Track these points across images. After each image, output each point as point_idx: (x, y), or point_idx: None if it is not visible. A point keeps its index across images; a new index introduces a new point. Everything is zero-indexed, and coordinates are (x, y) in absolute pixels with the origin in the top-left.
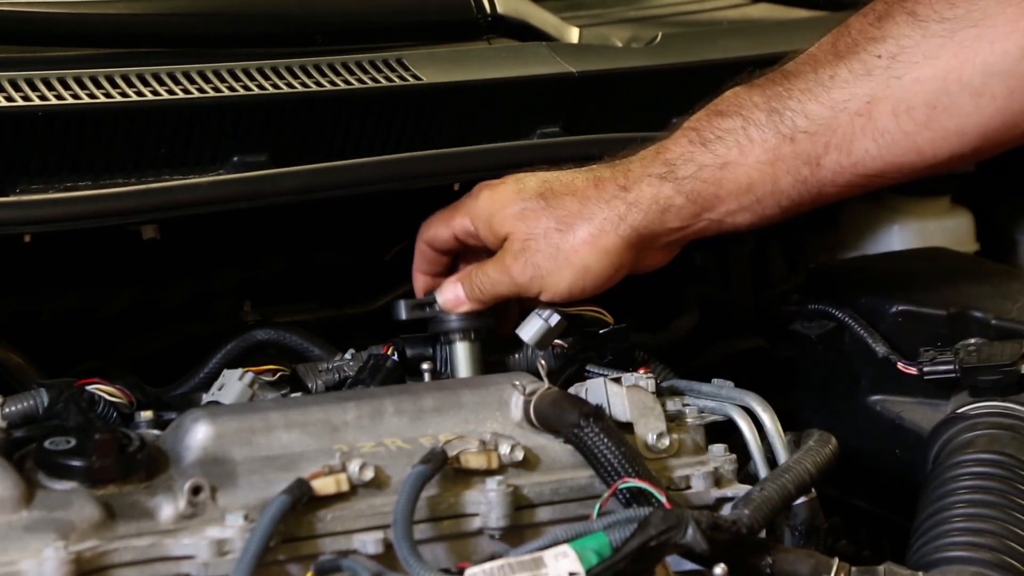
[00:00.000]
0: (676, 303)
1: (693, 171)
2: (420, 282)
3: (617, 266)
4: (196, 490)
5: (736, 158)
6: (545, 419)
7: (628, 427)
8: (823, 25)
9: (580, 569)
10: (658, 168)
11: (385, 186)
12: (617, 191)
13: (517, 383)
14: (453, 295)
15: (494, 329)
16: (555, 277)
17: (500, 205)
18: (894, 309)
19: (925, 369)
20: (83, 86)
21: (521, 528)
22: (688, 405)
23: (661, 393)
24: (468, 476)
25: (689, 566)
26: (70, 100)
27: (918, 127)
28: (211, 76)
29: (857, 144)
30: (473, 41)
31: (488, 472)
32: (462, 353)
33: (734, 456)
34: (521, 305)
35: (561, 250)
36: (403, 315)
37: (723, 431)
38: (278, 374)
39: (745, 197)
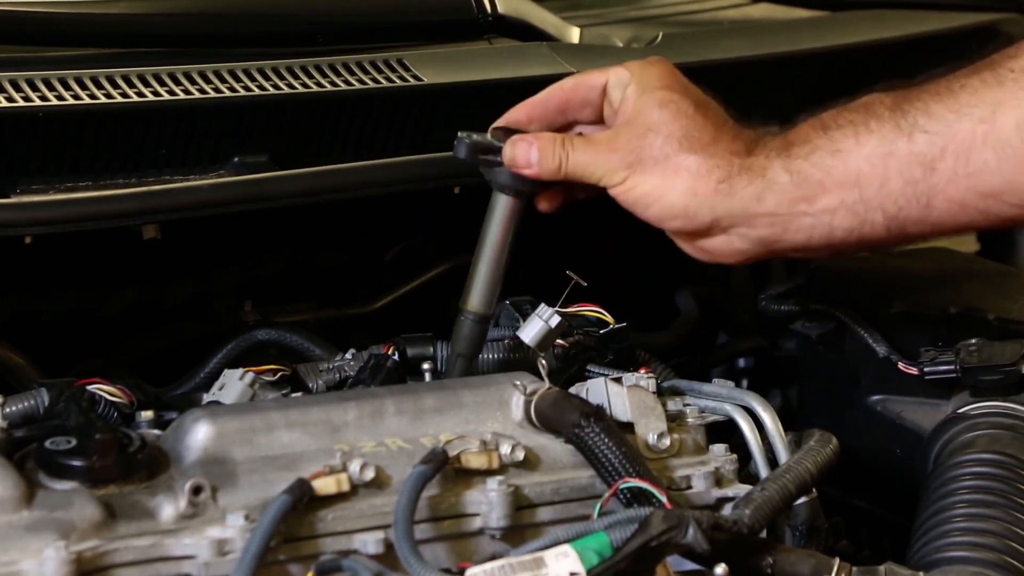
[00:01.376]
0: (676, 303)
1: (806, 153)
2: (512, 116)
3: (691, 215)
4: (197, 490)
5: (850, 147)
6: (546, 419)
7: (629, 427)
8: (823, 25)
9: (581, 569)
10: (777, 144)
11: (386, 189)
12: (741, 150)
13: (518, 383)
14: (525, 156)
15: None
16: (644, 180)
17: (653, 83)
18: (894, 309)
19: (926, 369)
20: (84, 86)
21: (522, 528)
22: (689, 405)
23: (662, 393)
24: (469, 476)
25: (690, 566)
26: (71, 100)
27: None
28: (211, 76)
29: (976, 155)
30: (474, 41)
31: (489, 472)
32: (501, 209)
33: (735, 456)
34: (568, 196)
35: (669, 161)
36: (463, 154)
37: (724, 431)
38: (279, 374)
39: (850, 192)
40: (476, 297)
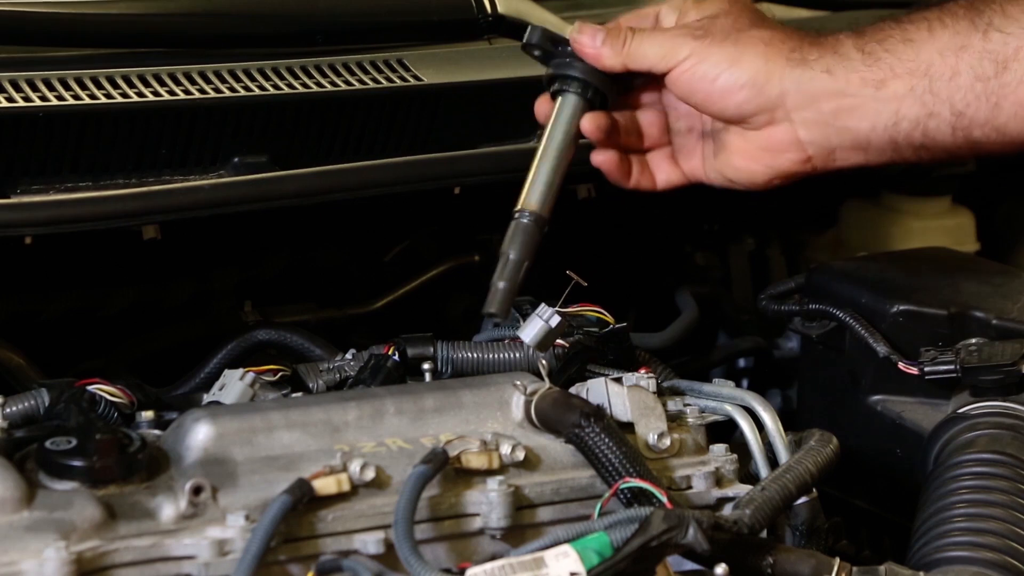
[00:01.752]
0: (675, 303)
1: (879, 39)
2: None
3: (760, 85)
4: (197, 490)
5: (924, 38)
6: (546, 419)
7: (629, 427)
8: (824, 25)
9: (581, 569)
10: (849, 32)
11: (386, 189)
12: (811, 33)
13: (518, 383)
14: (591, 37)
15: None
16: (713, 51)
17: (707, 3)
18: (894, 309)
19: (926, 369)
20: (84, 87)
21: (522, 528)
22: (689, 405)
23: (662, 393)
24: (469, 476)
25: (690, 566)
26: (71, 101)
27: None
28: (211, 77)
29: None
30: (474, 41)
31: (489, 472)
32: (565, 110)
33: (735, 456)
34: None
35: (741, 34)
36: (534, 39)
37: (724, 431)
38: (279, 374)
39: (920, 80)
40: (535, 197)
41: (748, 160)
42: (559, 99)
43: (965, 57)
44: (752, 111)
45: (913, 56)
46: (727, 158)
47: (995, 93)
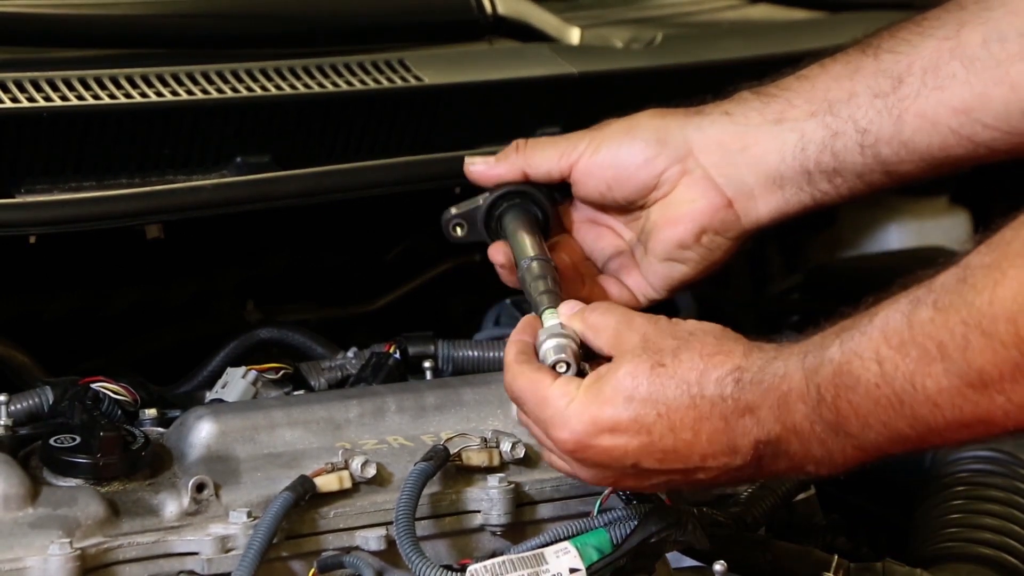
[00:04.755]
0: (675, 302)
1: (773, 82)
2: None
3: (663, 140)
4: (200, 487)
5: (816, 73)
6: None
7: None
8: (821, 26)
9: (581, 565)
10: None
11: (388, 189)
12: None
13: None
14: (484, 162)
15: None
16: (607, 135)
17: None
18: None
19: None
20: (87, 87)
21: (522, 525)
22: None
23: None
24: (470, 473)
25: (689, 562)
26: (75, 101)
27: (1011, 56)
28: (214, 77)
29: (943, 68)
30: (474, 42)
31: (489, 469)
32: (516, 221)
33: None
34: None
35: (632, 116)
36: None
37: None
38: (281, 372)
39: (819, 105)
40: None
41: (674, 224)
42: (505, 220)
43: (859, 79)
44: (663, 165)
45: (809, 88)
46: (657, 238)
47: (896, 107)
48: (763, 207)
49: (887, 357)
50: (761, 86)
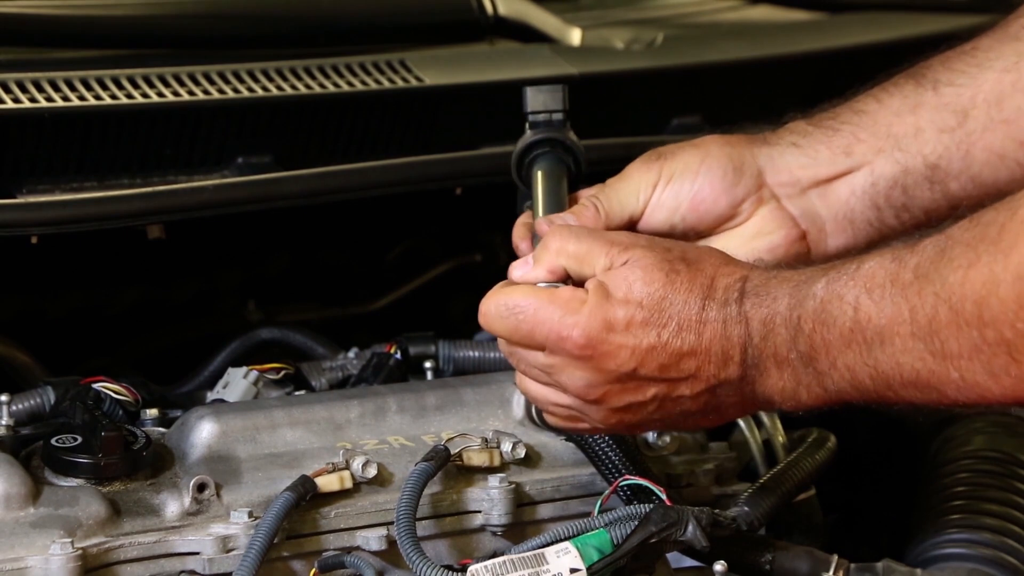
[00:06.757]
0: None
1: (829, 115)
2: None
3: (737, 169)
4: (201, 487)
5: (874, 108)
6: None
7: None
8: (821, 27)
9: (581, 565)
10: (795, 119)
11: (388, 190)
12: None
13: None
14: (562, 221)
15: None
16: (677, 166)
17: None
18: None
19: None
20: (89, 88)
21: (523, 525)
22: None
23: None
24: (470, 473)
25: (689, 563)
26: (76, 102)
27: None
28: (215, 78)
29: (1008, 102)
30: (475, 43)
31: (490, 469)
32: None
33: (735, 454)
34: None
35: (695, 142)
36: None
37: (723, 430)
38: (282, 372)
39: (885, 141)
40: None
41: (750, 256)
42: (534, 167)
43: (923, 113)
44: (742, 194)
45: (871, 123)
46: None
47: (964, 142)
48: (832, 242)
49: (864, 306)
50: (816, 117)
